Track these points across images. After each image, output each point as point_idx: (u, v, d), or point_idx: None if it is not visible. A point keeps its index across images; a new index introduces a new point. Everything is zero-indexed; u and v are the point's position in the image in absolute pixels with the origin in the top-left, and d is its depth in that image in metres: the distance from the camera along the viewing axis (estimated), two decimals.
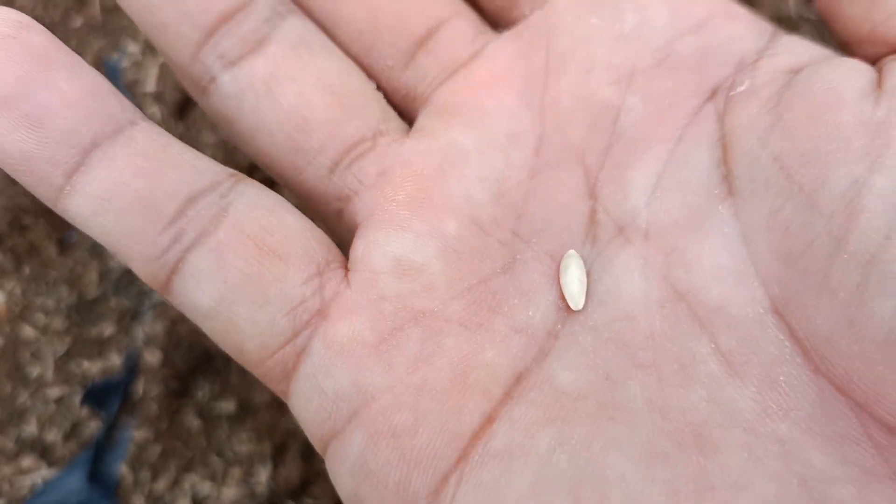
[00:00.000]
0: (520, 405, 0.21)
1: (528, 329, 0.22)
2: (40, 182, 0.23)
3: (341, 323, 0.22)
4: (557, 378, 0.21)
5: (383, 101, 0.28)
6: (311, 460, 0.73)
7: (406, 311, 0.22)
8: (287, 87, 0.26)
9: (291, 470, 0.73)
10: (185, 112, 0.81)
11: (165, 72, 0.82)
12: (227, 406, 0.77)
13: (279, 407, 0.74)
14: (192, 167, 0.23)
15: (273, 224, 0.23)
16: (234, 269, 0.22)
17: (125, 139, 0.22)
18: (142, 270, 0.23)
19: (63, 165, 0.22)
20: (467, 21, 0.28)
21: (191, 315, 0.24)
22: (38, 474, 0.78)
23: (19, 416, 0.79)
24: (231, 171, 0.25)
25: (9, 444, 0.79)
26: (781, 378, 0.19)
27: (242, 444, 0.76)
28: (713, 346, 0.20)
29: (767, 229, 0.21)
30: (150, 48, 0.83)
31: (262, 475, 0.76)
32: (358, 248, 0.24)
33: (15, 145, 0.21)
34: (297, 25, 0.27)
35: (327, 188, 0.26)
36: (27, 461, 0.78)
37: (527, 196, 0.23)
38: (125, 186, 0.22)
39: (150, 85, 0.82)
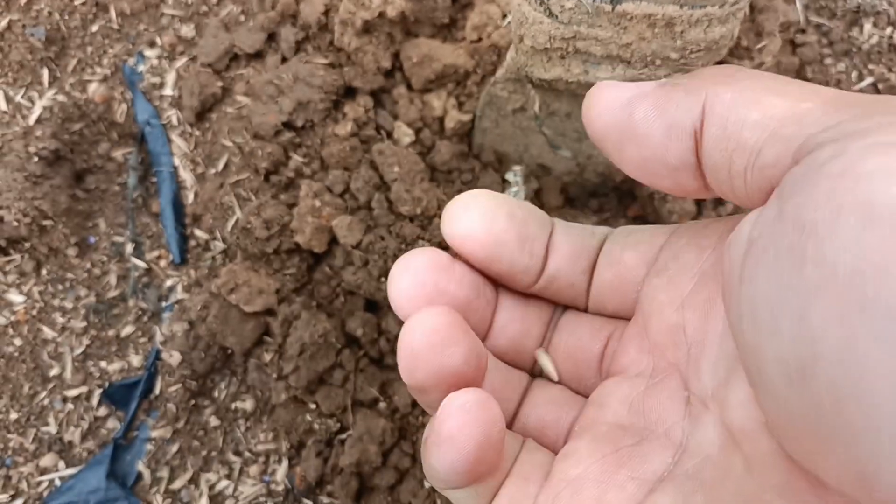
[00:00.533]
0: None
1: (642, 476, 0.32)
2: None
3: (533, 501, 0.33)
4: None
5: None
6: (327, 458, 0.74)
7: (563, 480, 0.33)
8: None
9: (308, 468, 0.74)
10: (203, 116, 0.82)
11: (183, 76, 0.84)
12: (245, 405, 0.78)
13: (296, 405, 0.75)
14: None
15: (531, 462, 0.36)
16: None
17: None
18: None
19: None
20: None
21: None
22: (57, 473, 0.79)
23: (38, 415, 0.80)
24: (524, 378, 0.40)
25: (28, 443, 0.80)
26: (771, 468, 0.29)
27: (260, 442, 0.77)
28: (741, 455, 0.30)
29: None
30: (168, 53, 0.84)
31: (279, 473, 0.77)
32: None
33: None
34: None
35: None
36: (46, 460, 0.79)
37: (646, 401, 0.34)
38: None
39: (169, 89, 0.83)
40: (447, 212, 0.36)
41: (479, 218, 0.35)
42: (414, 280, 0.34)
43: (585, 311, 0.40)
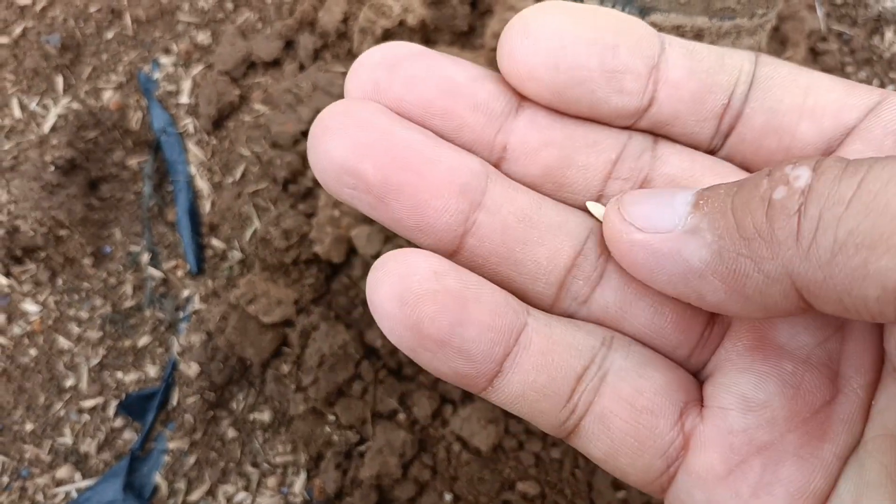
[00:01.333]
0: None
1: (842, 453, 0.25)
2: (470, 386, 0.28)
3: (698, 456, 0.27)
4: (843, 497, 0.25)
5: None
6: (347, 470, 0.74)
7: (751, 444, 0.26)
8: (644, 301, 0.29)
9: (327, 480, 0.74)
10: (220, 124, 0.81)
11: (200, 84, 0.83)
12: (263, 417, 0.77)
13: (315, 417, 0.74)
14: (574, 349, 0.28)
15: (642, 385, 0.28)
16: (616, 429, 0.27)
17: (525, 343, 0.27)
18: (548, 430, 0.29)
19: (486, 375, 0.27)
20: None
21: (589, 457, 0.29)
22: (73, 485, 0.78)
23: (54, 426, 0.80)
24: (602, 335, 0.28)
25: (44, 454, 0.79)
26: None
27: (278, 454, 0.77)
28: None
29: None
30: (184, 60, 0.84)
31: (297, 485, 0.77)
32: (708, 389, 0.28)
33: (452, 369, 0.26)
34: None
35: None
36: (62, 472, 0.79)
37: (846, 346, 0.27)
38: (532, 384, 0.27)
39: (185, 97, 0.83)
40: (504, 37, 0.27)
41: (545, 47, 0.26)
42: (358, 77, 0.27)
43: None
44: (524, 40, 0.26)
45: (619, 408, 0.27)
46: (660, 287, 0.26)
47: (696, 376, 0.29)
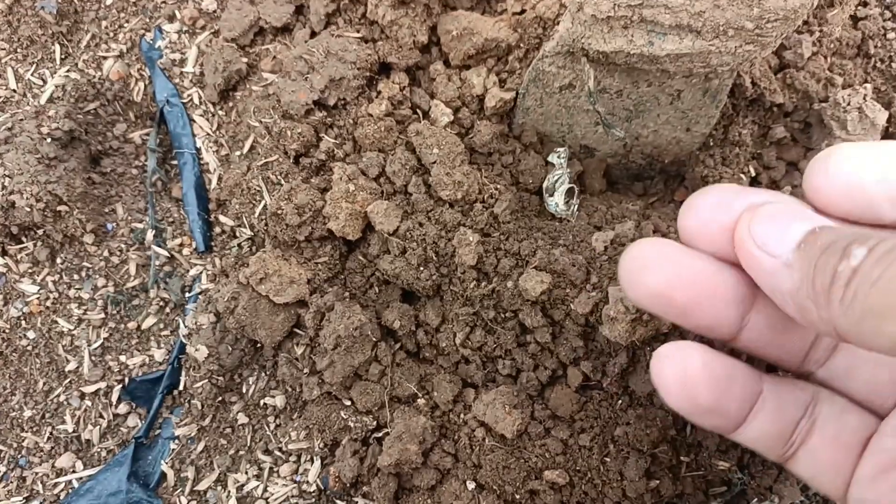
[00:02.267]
0: None
1: None
2: (720, 432, 0.40)
3: (860, 465, 0.37)
4: None
5: None
6: (363, 457, 0.70)
7: (894, 461, 0.36)
8: (867, 365, 0.40)
9: (343, 468, 0.70)
10: (227, 94, 0.77)
11: (205, 52, 0.78)
12: (275, 401, 0.73)
13: (330, 402, 0.71)
14: (794, 404, 0.40)
15: (841, 428, 0.38)
16: (821, 459, 0.39)
17: (762, 405, 0.39)
18: (771, 458, 0.40)
19: (734, 426, 0.39)
20: None
21: (798, 476, 0.41)
22: (75, 474, 0.75)
23: (54, 412, 0.76)
24: (812, 391, 0.40)
25: (43, 442, 0.75)
26: None
27: (291, 440, 0.73)
28: None
29: None
30: (189, 27, 0.79)
31: (312, 473, 0.73)
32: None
33: (711, 424, 0.39)
34: None
35: None
36: (63, 460, 0.75)
37: None
38: (766, 432, 0.39)
39: (190, 66, 0.78)
40: (813, 170, 0.35)
41: (846, 191, 0.35)
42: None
43: None
44: (829, 181, 0.35)
45: (824, 445, 0.38)
46: (768, 293, 0.34)
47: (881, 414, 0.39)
